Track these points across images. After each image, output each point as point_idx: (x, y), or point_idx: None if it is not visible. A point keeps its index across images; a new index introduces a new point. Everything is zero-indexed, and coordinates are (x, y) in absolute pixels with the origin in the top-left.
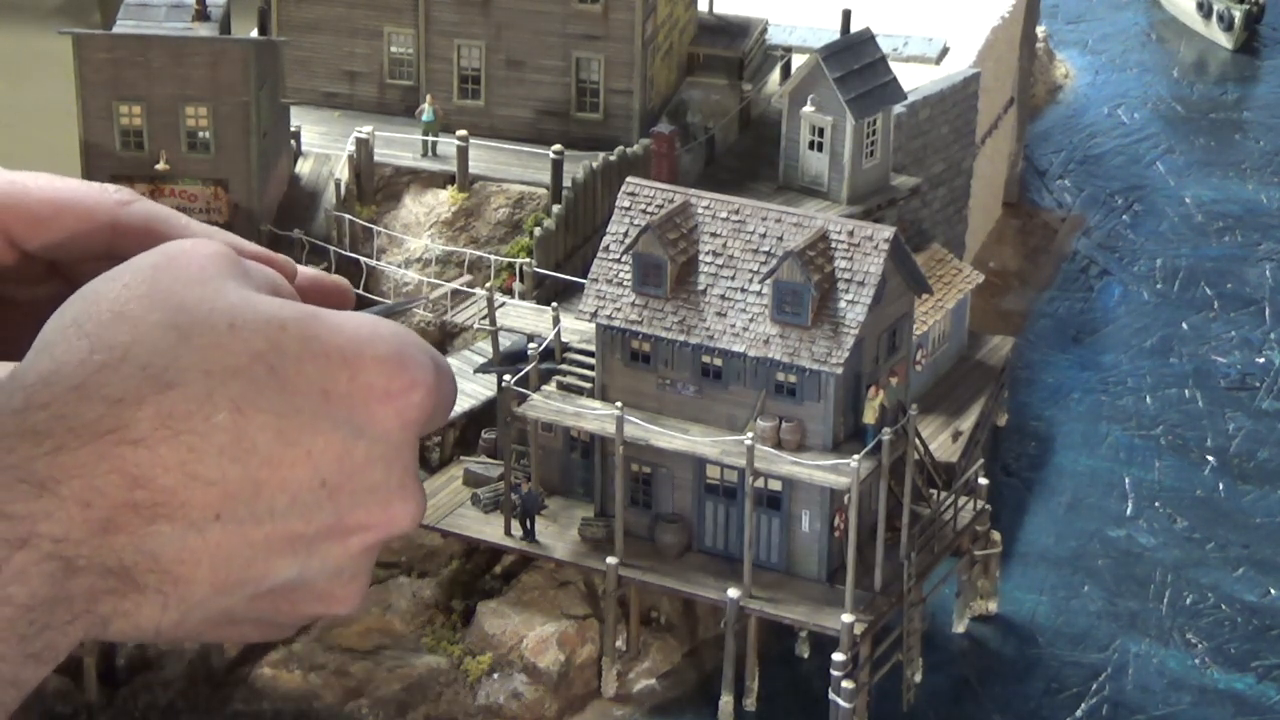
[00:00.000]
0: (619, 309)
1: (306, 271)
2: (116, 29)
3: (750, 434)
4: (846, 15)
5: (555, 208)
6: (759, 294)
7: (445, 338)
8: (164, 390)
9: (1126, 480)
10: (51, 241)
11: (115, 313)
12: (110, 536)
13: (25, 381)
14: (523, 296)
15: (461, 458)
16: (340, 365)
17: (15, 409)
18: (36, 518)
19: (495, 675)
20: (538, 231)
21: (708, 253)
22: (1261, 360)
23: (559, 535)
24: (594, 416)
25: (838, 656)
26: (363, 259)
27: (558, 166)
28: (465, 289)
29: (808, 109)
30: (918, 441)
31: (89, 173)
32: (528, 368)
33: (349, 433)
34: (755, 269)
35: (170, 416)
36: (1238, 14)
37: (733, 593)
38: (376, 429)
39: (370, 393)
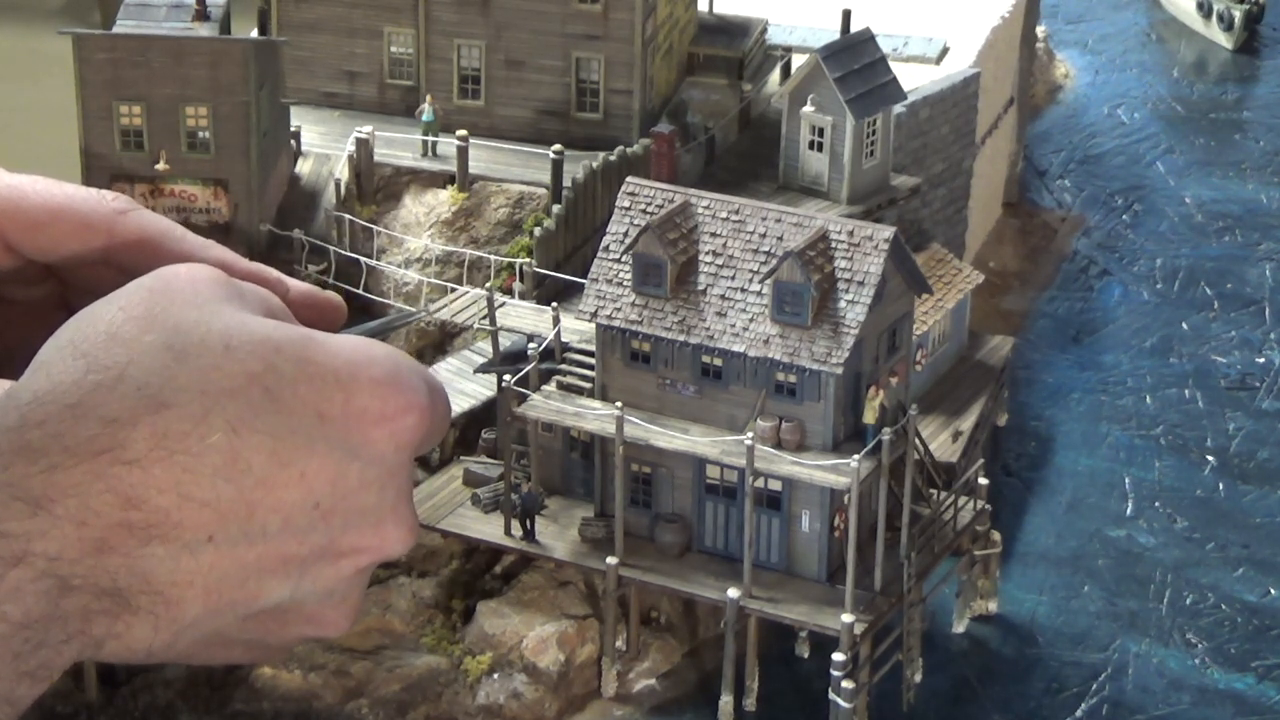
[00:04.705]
0: (619, 309)
1: (300, 287)
2: (116, 29)
3: (750, 434)
4: (846, 15)
5: (555, 208)
6: (759, 294)
7: (445, 338)
8: (159, 410)
9: (1126, 480)
10: (48, 246)
11: (111, 334)
12: (104, 557)
13: (21, 400)
14: (523, 296)
15: (461, 458)
16: (335, 388)
17: (11, 426)
18: (31, 536)
19: (495, 675)
20: (538, 231)
21: (708, 253)
22: (1261, 360)
23: (559, 535)
24: (594, 416)
25: (838, 656)
26: (363, 259)
27: (558, 166)
28: (465, 288)
29: (808, 109)
30: (918, 441)
31: (89, 173)
32: (528, 368)
33: (343, 455)
34: (755, 269)
35: (165, 436)
36: (1238, 14)
37: (733, 593)
38: (371, 452)
39: (365, 416)
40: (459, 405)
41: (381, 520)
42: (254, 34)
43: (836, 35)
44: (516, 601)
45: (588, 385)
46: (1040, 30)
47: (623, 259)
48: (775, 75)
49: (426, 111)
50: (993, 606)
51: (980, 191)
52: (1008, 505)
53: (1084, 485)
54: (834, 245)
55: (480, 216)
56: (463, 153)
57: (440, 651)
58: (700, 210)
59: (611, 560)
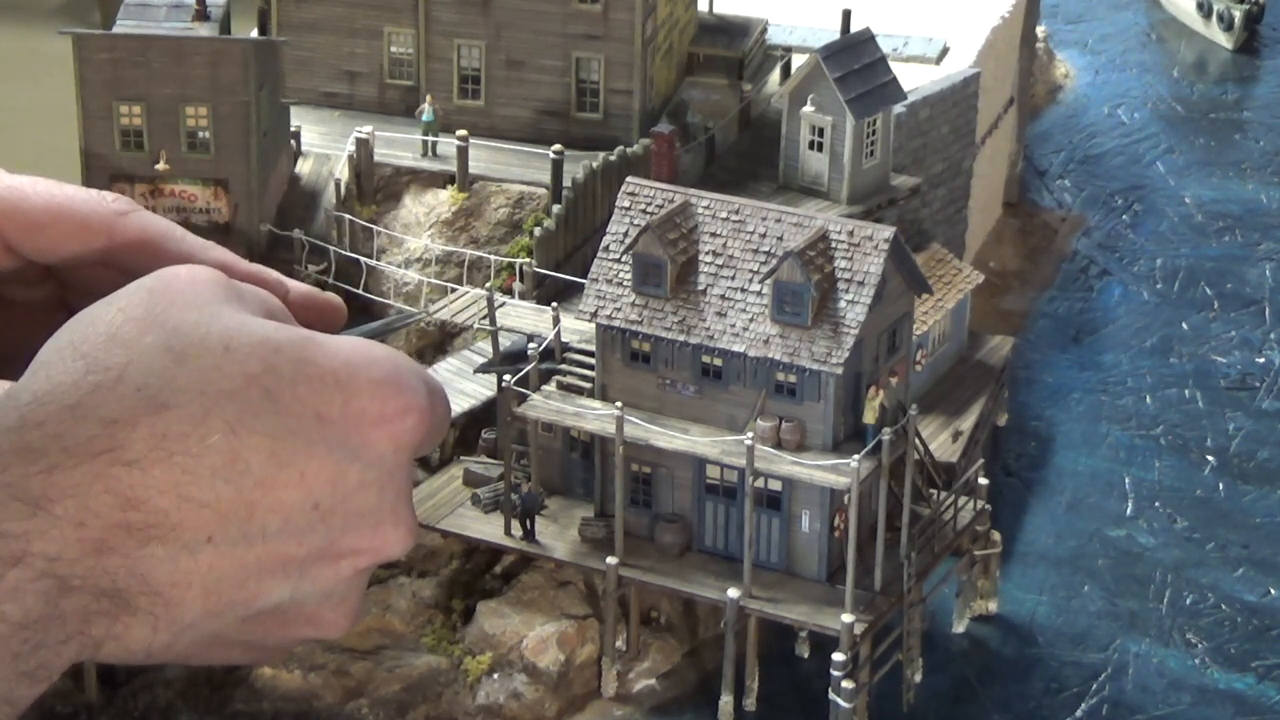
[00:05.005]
0: (619, 309)
1: (299, 288)
2: (116, 29)
3: (750, 434)
4: (846, 15)
5: (555, 208)
6: (759, 294)
7: (445, 338)
8: (159, 411)
9: (1126, 480)
10: (47, 248)
11: (111, 335)
12: (103, 557)
13: (21, 400)
14: (523, 296)
15: (461, 458)
16: (334, 389)
17: (10, 427)
18: (30, 536)
19: (495, 675)
20: (538, 231)
21: (708, 253)
22: (1261, 360)
23: (559, 535)
24: (594, 416)
25: (838, 656)
26: (363, 259)
27: (558, 166)
28: (465, 288)
29: (808, 109)
30: (918, 441)
31: (89, 173)
32: (528, 368)
33: (342, 456)
34: (755, 269)
35: (165, 437)
36: (1238, 14)
37: (733, 593)
38: (370, 453)
39: (364, 417)
40: (459, 405)
41: (381, 521)
42: (254, 34)
43: (836, 35)
44: (516, 601)
45: (588, 385)
46: (1040, 30)
47: (623, 259)
48: (775, 75)
49: (426, 111)
50: (993, 606)
51: (980, 191)
52: (1008, 505)
53: (1084, 485)
54: (834, 245)
55: (480, 216)
56: (463, 153)
57: (440, 651)
58: (700, 210)
59: (611, 560)
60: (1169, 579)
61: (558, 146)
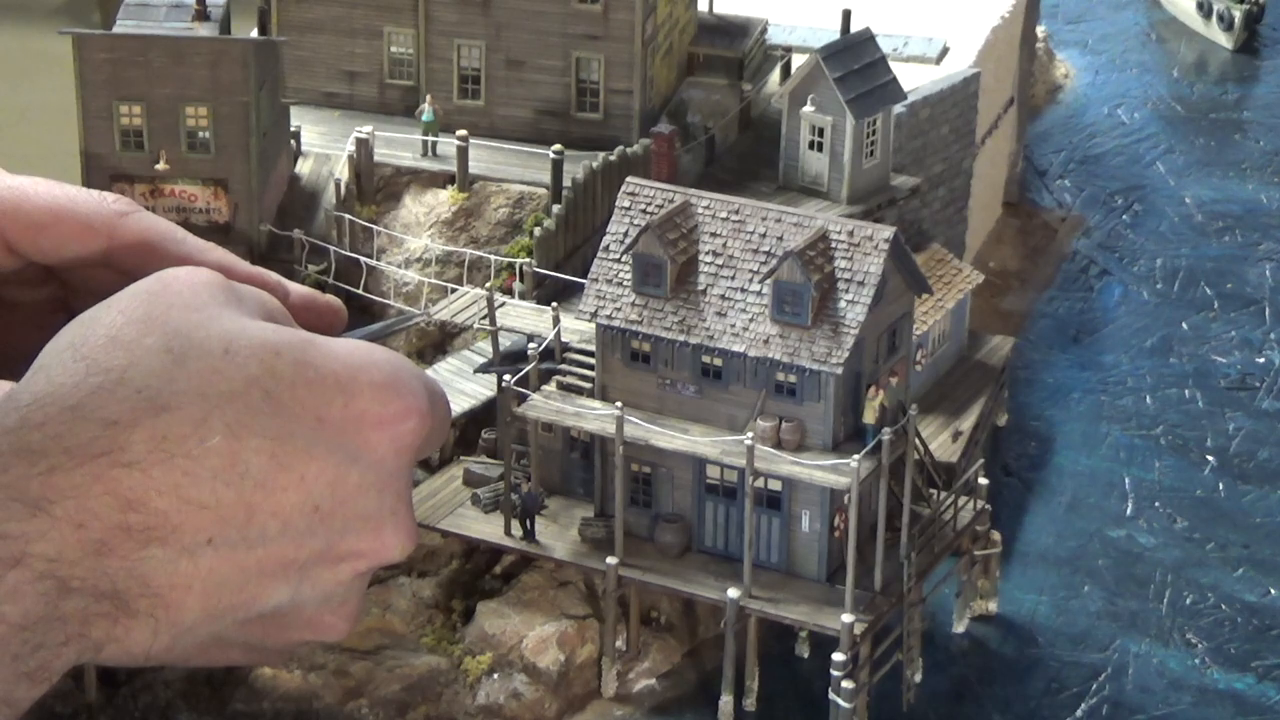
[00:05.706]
0: (619, 309)
1: (299, 291)
2: (116, 29)
3: (750, 434)
4: (846, 15)
5: (555, 208)
6: (759, 294)
7: (445, 338)
8: (159, 413)
9: (1126, 480)
10: (49, 248)
11: (111, 337)
12: (103, 559)
13: (21, 401)
14: (523, 296)
15: (461, 458)
16: (335, 391)
17: (10, 428)
18: (30, 537)
19: (495, 675)
20: (538, 231)
21: (708, 253)
22: (1261, 360)
23: (559, 535)
24: (594, 416)
25: (838, 656)
26: (363, 259)
27: (558, 166)
28: (464, 288)
29: (808, 109)
30: (918, 441)
31: (89, 173)
32: (528, 368)
33: (342, 459)
34: (755, 269)
35: (165, 439)
36: (1238, 14)
37: (733, 593)
38: (370, 456)
39: (364, 419)
40: (459, 405)
41: (380, 525)
42: (254, 34)
43: (836, 35)
44: (516, 601)
45: (588, 385)
46: (1040, 30)
47: (623, 259)
48: (775, 75)
49: (426, 111)
50: (993, 606)
51: (980, 191)
52: (1008, 505)
53: (1084, 485)
54: (834, 245)
55: (480, 216)
56: (463, 153)
57: (440, 651)
58: (700, 210)
59: (611, 560)
60: (1169, 579)
61: (558, 146)
